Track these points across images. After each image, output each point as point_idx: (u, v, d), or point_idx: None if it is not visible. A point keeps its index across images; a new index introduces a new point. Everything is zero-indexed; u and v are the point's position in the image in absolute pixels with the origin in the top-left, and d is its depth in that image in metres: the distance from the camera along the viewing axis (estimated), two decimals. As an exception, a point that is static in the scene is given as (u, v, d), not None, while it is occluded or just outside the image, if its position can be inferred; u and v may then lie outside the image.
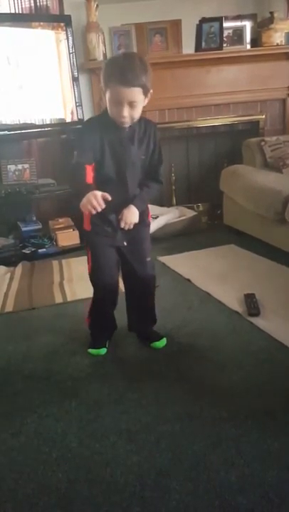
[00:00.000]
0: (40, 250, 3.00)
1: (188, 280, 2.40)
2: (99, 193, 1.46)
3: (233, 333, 1.85)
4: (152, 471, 1.18)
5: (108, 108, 1.54)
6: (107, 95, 1.51)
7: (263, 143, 3.11)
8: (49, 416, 1.42)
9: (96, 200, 1.45)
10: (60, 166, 3.31)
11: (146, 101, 1.55)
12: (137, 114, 1.54)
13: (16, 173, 3.18)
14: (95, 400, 1.49)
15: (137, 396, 1.49)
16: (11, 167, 3.16)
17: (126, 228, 1.63)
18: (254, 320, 1.92)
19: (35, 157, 3.31)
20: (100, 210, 1.47)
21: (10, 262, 2.83)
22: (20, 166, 3.17)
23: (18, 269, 2.75)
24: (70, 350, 1.81)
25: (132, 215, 1.63)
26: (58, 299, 2.30)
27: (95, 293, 1.79)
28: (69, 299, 2.29)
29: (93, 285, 1.78)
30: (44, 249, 3.01)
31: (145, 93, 1.52)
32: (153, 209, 3.43)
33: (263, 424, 1.32)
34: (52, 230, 3.17)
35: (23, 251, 2.97)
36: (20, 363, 1.75)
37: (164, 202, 3.63)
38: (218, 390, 1.50)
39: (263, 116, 3.57)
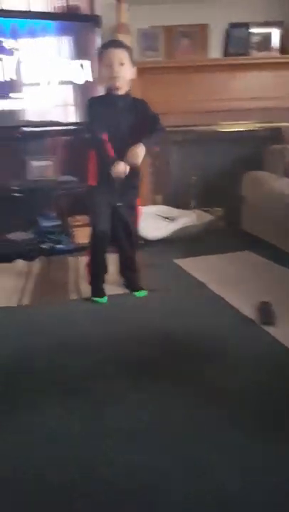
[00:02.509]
0: (57, 246, 3.03)
1: (203, 284, 2.40)
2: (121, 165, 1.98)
3: (244, 340, 1.85)
4: (154, 473, 1.18)
5: (103, 75, 2.04)
6: (102, 63, 2.01)
7: (285, 150, 3.09)
8: (52, 414, 1.42)
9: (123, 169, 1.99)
10: (82, 164, 3.34)
11: (133, 74, 2.06)
12: (126, 74, 2.02)
13: (39, 169, 3.23)
14: (98, 399, 1.49)
15: (140, 397, 1.49)
16: (35, 163, 3.20)
17: (120, 172, 1.99)
18: (267, 328, 1.91)
19: (58, 154, 3.35)
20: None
21: (28, 256, 2.87)
22: (43, 163, 3.22)
23: (36, 264, 2.80)
24: (78, 347, 1.82)
25: (137, 152, 1.97)
26: (73, 296, 2.33)
27: (92, 238, 2.19)
28: (84, 296, 2.31)
29: (92, 231, 2.18)
30: (61, 246, 3.04)
31: (130, 60, 2.02)
32: (170, 211, 3.45)
33: (269, 431, 1.32)
34: (70, 226, 3.20)
35: (41, 246, 3.01)
36: (28, 357, 1.77)
37: (181, 205, 3.63)
38: (225, 395, 1.49)
39: (288, 124, 3.55)
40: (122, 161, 2.00)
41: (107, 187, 2.10)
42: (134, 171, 2.12)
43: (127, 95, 2.09)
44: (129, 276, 2.34)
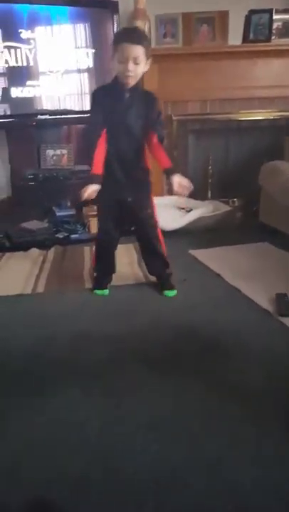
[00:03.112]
0: (72, 236, 3.02)
1: (219, 275, 2.36)
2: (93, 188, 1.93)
3: (261, 332, 1.81)
4: (169, 465, 1.17)
5: (116, 69, 1.89)
6: (116, 56, 1.86)
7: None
8: (70, 401, 1.43)
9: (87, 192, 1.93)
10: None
11: (147, 67, 1.91)
12: (140, 71, 1.89)
13: (54, 158, 3.22)
14: (116, 389, 1.49)
15: (158, 389, 1.48)
16: (50, 152, 3.20)
17: (186, 192, 1.97)
18: (285, 320, 1.87)
19: (73, 143, 3.34)
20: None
21: (43, 245, 2.87)
22: (58, 152, 3.21)
23: (51, 253, 2.80)
24: (95, 337, 1.82)
25: (182, 180, 1.95)
26: (88, 285, 2.31)
27: (97, 235, 2.20)
28: (98, 285, 2.30)
29: (98, 229, 2.19)
30: (76, 235, 3.04)
31: (146, 55, 1.86)
32: (187, 202, 3.40)
33: (284, 427, 1.28)
34: (85, 216, 3.18)
35: (57, 235, 3.01)
36: (46, 345, 1.77)
37: (198, 195, 3.58)
38: (241, 389, 1.47)
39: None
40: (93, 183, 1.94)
41: (114, 182, 2.01)
42: (142, 166, 2.07)
43: (136, 87, 1.95)
44: (161, 275, 2.23)
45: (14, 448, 1.25)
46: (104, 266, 2.23)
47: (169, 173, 1.97)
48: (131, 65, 1.84)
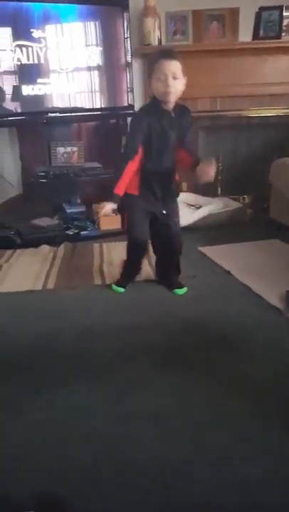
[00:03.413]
0: (82, 232, 3.04)
1: (228, 272, 2.37)
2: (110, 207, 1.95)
3: (269, 329, 1.81)
4: (176, 459, 1.17)
5: (155, 88, 1.89)
6: (154, 76, 1.87)
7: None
8: (76, 394, 1.44)
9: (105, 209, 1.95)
10: (108, 150, 3.33)
11: (183, 85, 1.89)
12: (179, 87, 1.88)
13: (65, 155, 3.24)
14: (123, 382, 1.49)
15: (164, 382, 1.49)
16: (60, 149, 3.22)
17: (209, 178, 1.95)
18: (294, 317, 1.87)
19: (83, 140, 3.36)
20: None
21: (54, 241, 2.90)
22: (69, 149, 3.23)
23: (61, 249, 2.82)
24: (102, 331, 1.83)
25: (210, 169, 1.94)
26: (97, 281, 2.33)
27: (128, 245, 2.19)
28: (107, 281, 2.32)
29: (128, 239, 2.18)
30: (86, 232, 3.06)
31: (183, 72, 1.86)
32: (197, 199, 3.41)
33: (287, 425, 1.28)
34: (95, 213, 3.20)
35: (67, 232, 3.03)
36: (54, 339, 1.78)
37: (208, 192, 3.58)
38: (248, 383, 1.47)
39: None
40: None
41: (151, 196, 2.04)
42: (174, 178, 2.09)
43: (175, 106, 1.96)
44: (170, 277, 2.25)
45: (14, 446, 1.25)
46: (134, 270, 2.27)
47: (196, 163, 1.98)
48: (170, 80, 1.84)
